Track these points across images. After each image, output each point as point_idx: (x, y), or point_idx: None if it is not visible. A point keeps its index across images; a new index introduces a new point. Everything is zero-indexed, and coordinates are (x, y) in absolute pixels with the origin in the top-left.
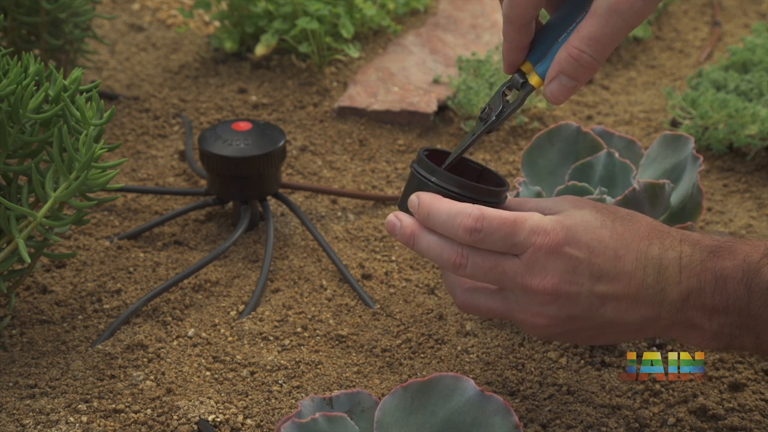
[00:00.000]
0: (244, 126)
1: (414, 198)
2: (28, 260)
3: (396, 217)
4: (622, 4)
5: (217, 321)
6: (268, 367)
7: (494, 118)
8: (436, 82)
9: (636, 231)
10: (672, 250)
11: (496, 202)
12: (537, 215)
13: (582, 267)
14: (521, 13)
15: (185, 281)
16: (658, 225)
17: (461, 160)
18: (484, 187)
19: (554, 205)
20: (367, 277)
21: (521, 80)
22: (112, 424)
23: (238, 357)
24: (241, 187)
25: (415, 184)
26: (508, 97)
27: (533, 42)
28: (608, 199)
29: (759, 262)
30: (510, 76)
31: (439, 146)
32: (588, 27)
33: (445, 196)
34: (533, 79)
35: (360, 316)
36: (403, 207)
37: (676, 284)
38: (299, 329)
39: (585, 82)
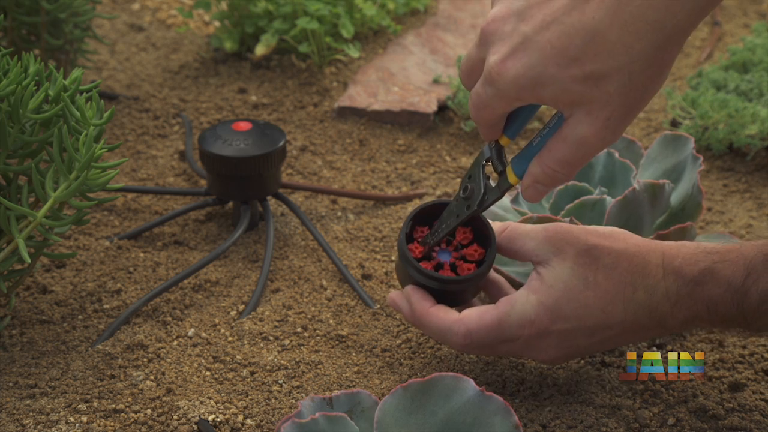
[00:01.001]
0: (244, 126)
1: (404, 306)
2: (28, 260)
3: (395, 302)
4: (591, 138)
5: (217, 321)
6: (268, 367)
7: (476, 207)
8: (436, 82)
9: (619, 278)
10: (658, 290)
11: (479, 276)
12: (519, 302)
13: (574, 333)
14: (486, 122)
15: (185, 281)
16: (638, 258)
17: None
18: (461, 278)
19: (540, 251)
20: (367, 277)
21: (499, 165)
22: (112, 424)
23: (238, 357)
24: (241, 187)
25: (401, 267)
26: (487, 171)
27: (508, 118)
28: (608, 199)
29: (744, 285)
30: (485, 146)
31: (437, 148)
32: (559, 151)
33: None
34: (511, 178)
35: (360, 316)
36: (399, 277)
37: (671, 317)
38: (299, 329)
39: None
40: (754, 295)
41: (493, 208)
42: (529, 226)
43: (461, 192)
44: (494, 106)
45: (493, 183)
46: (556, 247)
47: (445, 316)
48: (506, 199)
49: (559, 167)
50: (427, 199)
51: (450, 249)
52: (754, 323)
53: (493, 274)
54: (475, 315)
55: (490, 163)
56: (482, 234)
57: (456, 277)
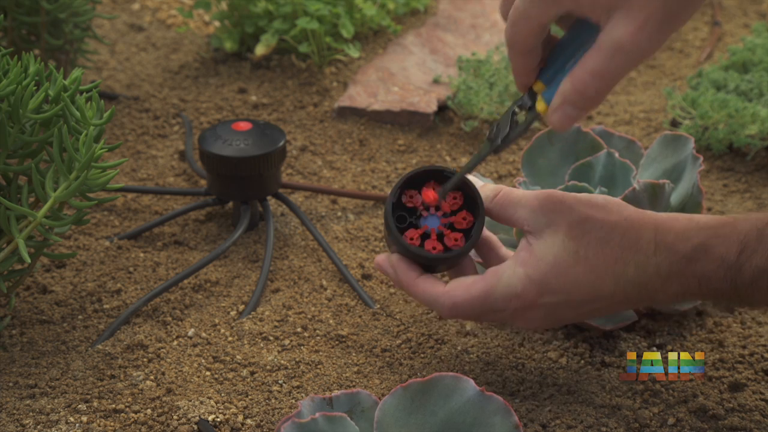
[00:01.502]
0: (244, 126)
1: (390, 272)
2: (28, 260)
3: (381, 267)
4: (627, 42)
5: (217, 321)
6: (268, 367)
7: (500, 142)
8: (436, 82)
9: (610, 253)
10: (649, 266)
11: (464, 252)
12: (506, 275)
13: (562, 305)
14: (522, 41)
15: (185, 281)
16: (631, 233)
17: (439, 173)
18: (444, 256)
19: (532, 220)
20: (367, 277)
21: (530, 103)
22: (112, 424)
23: (238, 357)
24: (241, 187)
25: (387, 235)
26: (518, 116)
27: (547, 59)
28: None
29: (738, 261)
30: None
31: (437, 148)
32: (592, 61)
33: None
34: (540, 106)
35: (360, 316)
36: (386, 241)
37: (661, 292)
38: (299, 329)
39: (590, 112)
40: (748, 271)
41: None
42: (521, 193)
43: (488, 135)
44: (531, 15)
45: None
46: (549, 218)
47: (431, 288)
48: None
49: (591, 79)
50: None
51: (438, 214)
52: (746, 298)
53: (486, 232)
54: (462, 288)
55: (522, 111)
56: (472, 200)
57: (440, 255)
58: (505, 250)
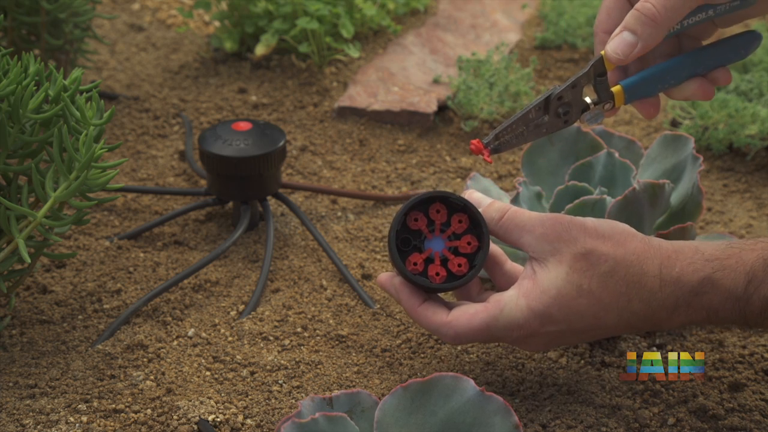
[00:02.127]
0: (244, 126)
1: (393, 293)
2: (28, 260)
3: (385, 287)
4: None
5: (217, 321)
6: (268, 367)
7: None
8: (436, 82)
9: (615, 288)
10: (654, 300)
11: (466, 281)
12: (508, 307)
13: (565, 333)
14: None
15: (185, 281)
16: (635, 268)
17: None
18: (446, 286)
19: (536, 247)
20: (367, 277)
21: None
22: (112, 424)
23: (238, 357)
24: (241, 187)
25: (391, 261)
26: (587, 98)
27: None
28: (608, 199)
29: (746, 293)
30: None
31: (437, 148)
32: None
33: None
34: (615, 88)
35: (360, 316)
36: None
37: (667, 322)
38: (299, 329)
39: (646, 46)
40: (757, 302)
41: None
42: (527, 217)
43: (558, 110)
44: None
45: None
46: (553, 246)
47: (433, 317)
48: (507, 199)
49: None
50: None
51: (443, 237)
52: (756, 326)
53: (493, 246)
54: (465, 318)
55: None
56: (478, 224)
57: (441, 285)
58: (510, 265)
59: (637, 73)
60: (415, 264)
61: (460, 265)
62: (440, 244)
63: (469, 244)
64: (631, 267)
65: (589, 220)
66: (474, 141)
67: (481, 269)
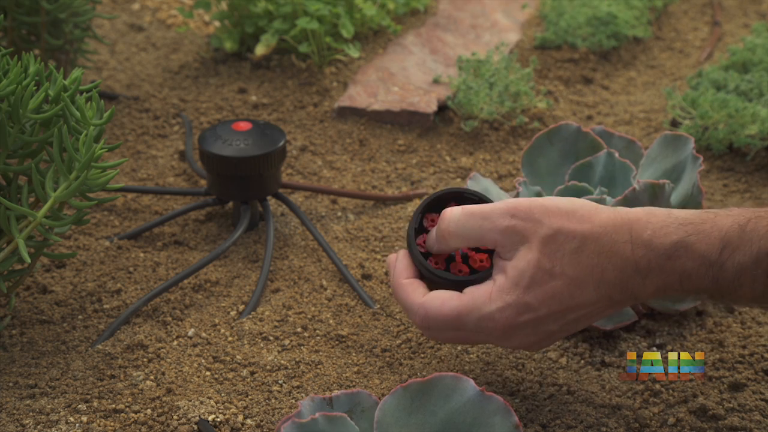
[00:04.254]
0: (244, 126)
1: (389, 263)
2: (28, 260)
3: (388, 262)
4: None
5: (217, 321)
6: (268, 367)
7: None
8: (436, 82)
9: (587, 262)
10: (628, 266)
11: (483, 277)
12: (481, 301)
13: (545, 319)
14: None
15: (185, 281)
16: (605, 238)
17: (459, 194)
18: (450, 278)
19: (504, 242)
20: (367, 277)
21: None
22: (112, 424)
23: (238, 357)
24: (241, 187)
25: (408, 239)
26: None
27: None
28: (608, 199)
29: (719, 259)
30: None
31: (437, 148)
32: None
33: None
34: None
35: (360, 316)
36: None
37: (642, 289)
38: (299, 329)
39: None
40: (730, 269)
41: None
42: (488, 210)
43: None
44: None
45: None
46: (521, 236)
47: (411, 294)
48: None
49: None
50: None
51: None
52: (729, 295)
53: None
54: (437, 302)
55: None
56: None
57: (465, 278)
58: None
59: None
60: (436, 264)
61: (482, 261)
62: None
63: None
64: (600, 238)
65: (549, 200)
66: None
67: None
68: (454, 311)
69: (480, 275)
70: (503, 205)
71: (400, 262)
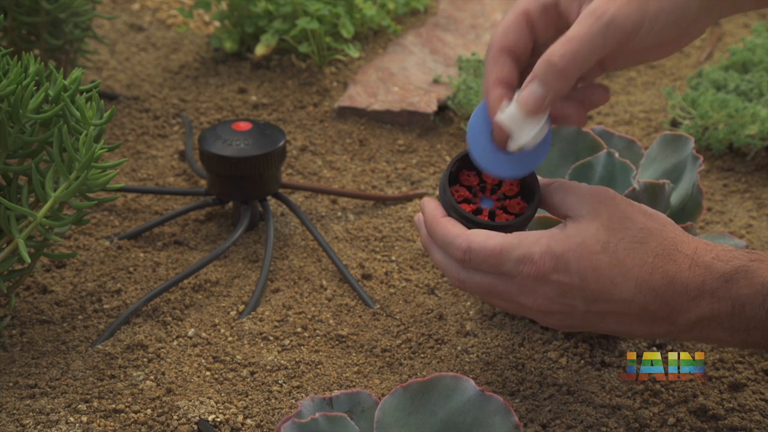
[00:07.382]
0: (244, 126)
1: (422, 207)
2: (28, 260)
3: (419, 222)
4: (600, 7)
5: (217, 321)
6: (268, 367)
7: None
8: (436, 82)
9: (640, 257)
10: (678, 280)
11: (512, 226)
12: (528, 240)
13: (573, 291)
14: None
15: (185, 281)
16: (668, 242)
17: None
18: (481, 221)
19: (576, 206)
20: (367, 277)
21: None
22: (112, 424)
23: (238, 357)
24: (241, 187)
25: (441, 186)
26: None
27: None
28: None
29: None
30: None
31: (437, 148)
32: (568, 31)
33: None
34: None
35: (360, 316)
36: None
37: (683, 313)
38: (299, 329)
39: (556, 95)
40: None
41: None
42: (576, 183)
43: None
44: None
45: None
46: (593, 207)
47: (452, 228)
48: None
49: (561, 47)
50: None
51: (493, 198)
52: None
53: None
54: (482, 236)
55: None
56: (530, 190)
57: (491, 222)
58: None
59: None
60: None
61: (519, 205)
62: (490, 203)
63: (518, 204)
64: (664, 241)
65: (637, 203)
66: None
67: (532, 217)
68: (498, 245)
69: (519, 219)
70: (590, 185)
71: (429, 205)
